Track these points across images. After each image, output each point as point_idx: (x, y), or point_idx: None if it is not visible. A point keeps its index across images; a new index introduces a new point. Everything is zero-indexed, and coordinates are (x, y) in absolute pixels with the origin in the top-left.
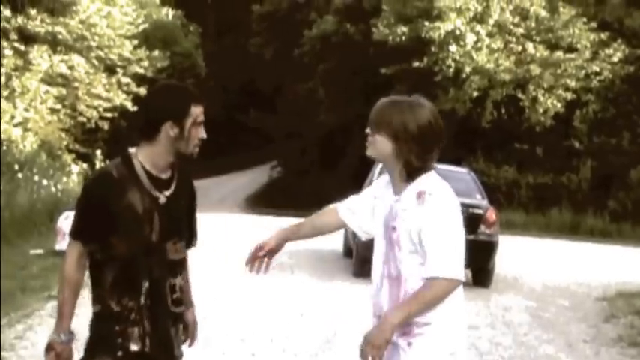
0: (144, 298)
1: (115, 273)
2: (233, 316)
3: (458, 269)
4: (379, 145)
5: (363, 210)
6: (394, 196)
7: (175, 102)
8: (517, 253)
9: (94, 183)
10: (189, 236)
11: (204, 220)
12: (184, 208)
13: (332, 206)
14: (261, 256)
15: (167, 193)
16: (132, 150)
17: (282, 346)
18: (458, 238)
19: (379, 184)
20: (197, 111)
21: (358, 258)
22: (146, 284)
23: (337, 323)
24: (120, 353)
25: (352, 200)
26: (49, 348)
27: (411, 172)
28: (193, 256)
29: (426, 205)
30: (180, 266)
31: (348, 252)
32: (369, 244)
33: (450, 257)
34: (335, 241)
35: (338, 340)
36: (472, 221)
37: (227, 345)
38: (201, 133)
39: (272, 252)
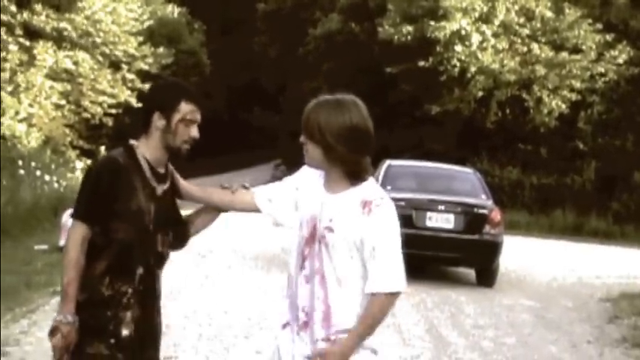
0: (138, 284)
1: (111, 258)
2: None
3: (404, 281)
4: (311, 152)
5: (282, 200)
6: (327, 193)
7: (165, 94)
8: (520, 254)
9: (102, 167)
10: (182, 232)
11: None
12: (173, 206)
13: (252, 189)
14: None
15: (164, 186)
16: (133, 142)
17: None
18: (400, 250)
19: (304, 175)
20: (187, 108)
21: None
22: (140, 271)
23: None
24: (112, 341)
25: (272, 188)
26: (55, 330)
27: (352, 178)
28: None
29: (373, 217)
30: (163, 261)
31: None
32: None
33: (399, 271)
34: None
35: None
36: (477, 221)
37: (228, 341)
38: (193, 132)
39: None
